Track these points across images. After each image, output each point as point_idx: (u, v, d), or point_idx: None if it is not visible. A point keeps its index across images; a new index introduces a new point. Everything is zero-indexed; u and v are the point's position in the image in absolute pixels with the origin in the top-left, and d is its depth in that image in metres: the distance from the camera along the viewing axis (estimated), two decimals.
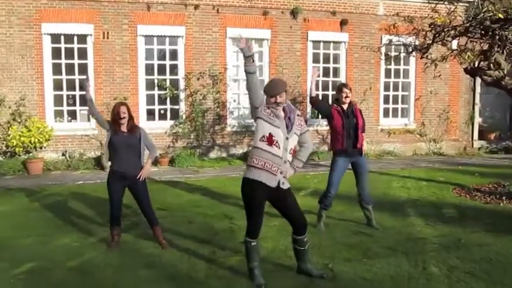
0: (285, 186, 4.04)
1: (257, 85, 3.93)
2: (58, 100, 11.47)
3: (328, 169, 6.04)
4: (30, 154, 10.79)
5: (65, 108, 11.52)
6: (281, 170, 3.96)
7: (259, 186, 3.94)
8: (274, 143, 3.90)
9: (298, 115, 4.10)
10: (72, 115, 11.66)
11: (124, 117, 5.07)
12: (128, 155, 5.10)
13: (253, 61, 3.90)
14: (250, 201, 4.02)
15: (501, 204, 7.31)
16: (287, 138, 3.94)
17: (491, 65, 7.55)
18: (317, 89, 12.90)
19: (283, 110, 4.02)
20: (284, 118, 3.99)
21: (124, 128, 5.12)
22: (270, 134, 3.90)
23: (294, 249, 4.29)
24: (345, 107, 5.78)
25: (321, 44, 13.02)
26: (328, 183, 5.87)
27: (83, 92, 5.14)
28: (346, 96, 5.75)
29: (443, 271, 4.44)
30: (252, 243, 4.08)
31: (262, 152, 3.92)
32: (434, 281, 4.21)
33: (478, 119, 14.72)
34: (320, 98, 12.89)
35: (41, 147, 10.86)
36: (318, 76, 6.34)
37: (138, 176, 5.13)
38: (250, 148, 12.46)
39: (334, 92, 13.12)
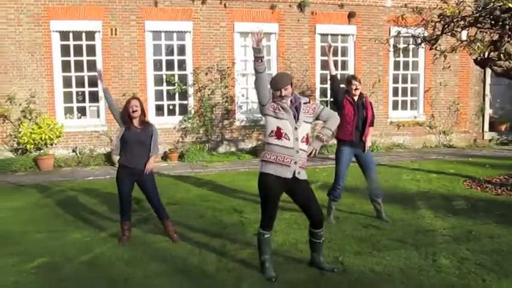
0: (301, 176, 4.06)
1: (264, 84, 4.01)
2: (68, 97, 11.55)
3: (334, 162, 6.03)
4: (41, 151, 10.90)
5: (75, 104, 11.59)
6: (295, 160, 3.98)
7: (274, 180, 4.00)
8: (283, 135, 3.95)
9: (305, 103, 4.10)
10: (82, 112, 11.73)
11: (136, 111, 5.09)
12: (138, 151, 5.14)
13: (262, 61, 3.92)
14: (266, 194, 4.06)
15: None
16: (296, 128, 3.97)
17: (502, 55, 7.48)
18: (325, 82, 12.91)
19: (290, 101, 4.04)
20: (291, 108, 4.01)
21: (137, 123, 5.14)
22: (277, 127, 3.97)
23: (310, 241, 4.34)
24: (356, 98, 5.76)
25: (329, 37, 12.94)
26: (335, 176, 5.88)
27: (93, 89, 5.16)
28: (356, 88, 5.73)
29: (454, 263, 4.43)
30: (265, 236, 4.13)
31: (273, 146, 4.00)
32: (444, 272, 4.20)
33: (488, 111, 14.58)
34: (328, 93, 12.89)
35: (51, 144, 10.96)
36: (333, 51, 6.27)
37: (145, 171, 5.16)
38: (260, 142, 12.51)
39: (343, 85, 13.17)
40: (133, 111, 5.08)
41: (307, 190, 4.18)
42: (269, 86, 4.06)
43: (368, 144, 5.89)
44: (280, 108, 3.99)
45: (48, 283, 4.13)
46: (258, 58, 3.90)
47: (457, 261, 4.46)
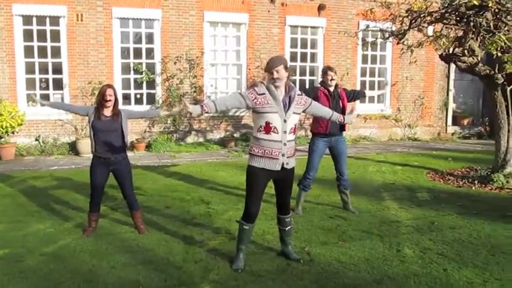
0: (289, 166, 4.09)
1: (226, 100, 4.08)
2: (30, 84, 11.19)
3: (306, 153, 6.07)
4: (2, 139, 10.52)
5: (38, 92, 11.23)
6: (283, 153, 3.99)
7: (261, 172, 4.03)
8: (272, 129, 3.94)
9: (299, 94, 4.09)
10: (46, 99, 11.38)
11: (110, 100, 4.94)
12: (111, 140, 4.98)
13: (204, 108, 3.93)
14: (252, 186, 4.07)
15: (473, 188, 7.49)
16: (285, 121, 3.95)
17: (466, 51, 7.66)
18: (294, 74, 12.95)
19: (285, 90, 3.99)
20: (284, 97, 3.97)
21: (108, 112, 5.00)
22: (266, 122, 3.94)
23: (279, 230, 4.40)
24: (331, 89, 5.80)
25: (299, 29, 12.99)
26: (307, 166, 5.92)
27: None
28: (332, 79, 5.76)
29: (417, 253, 4.54)
30: (245, 227, 4.15)
31: (262, 141, 4.00)
32: (408, 262, 4.30)
33: (452, 105, 14.98)
34: (297, 83, 12.95)
35: (13, 132, 10.59)
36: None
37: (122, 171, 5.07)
38: (228, 133, 12.42)
39: (314, 77, 13.33)
40: (106, 101, 4.92)
41: (291, 177, 4.22)
42: (237, 101, 4.00)
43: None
44: (268, 100, 3.92)
45: (9, 275, 4.00)
46: (201, 110, 3.91)
47: (419, 251, 4.57)
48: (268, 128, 3.94)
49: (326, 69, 5.86)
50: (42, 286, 3.81)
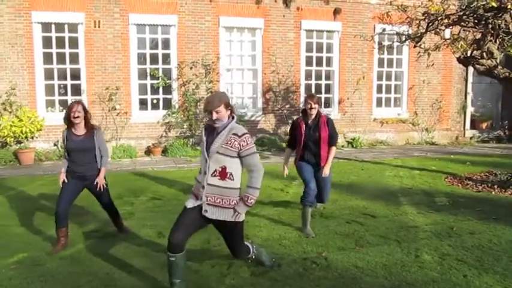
0: (210, 215, 3.56)
1: None
2: (49, 90, 11.36)
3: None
4: (22, 144, 10.71)
5: (57, 97, 11.41)
6: (201, 196, 3.56)
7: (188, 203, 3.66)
8: (201, 169, 3.66)
9: (236, 134, 3.51)
10: (64, 105, 11.52)
11: (78, 117, 4.73)
12: (84, 158, 4.83)
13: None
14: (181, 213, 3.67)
15: (492, 192, 7.36)
16: (206, 161, 3.54)
17: (484, 54, 7.58)
18: (310, 78, 12.93)
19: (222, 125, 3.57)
20: (215, 133, 3.56)
21: (80, 131, 4.82)
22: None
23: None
24: (311, 118, 5.47)
25: (314, 33, 12.96)
26: (303, 183, 5.51)
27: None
28: (311, 108, 5.42)
29: (436, 258, 4.48)
30: (170, 258, 3.58)
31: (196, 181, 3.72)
32: (426, 268, 4.24)
33: (470, 109, 14.78)
34: (312, 88, 12.91)
35: (32, 137, 10.78)
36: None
37: (97, 187, 4.90)
38: None
39: (330, 81, 13.29)
40: (74, 117, 4.72)
41: (225, 231, 3.73)
42: None
43: (326, 170, 5.42)
44: (202, 137, 3.64)
45: (28, 278, 4.05)
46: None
47: (438, 257, 4.51)
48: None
49: (306, 98, 5.58)
50: None
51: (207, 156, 3.53)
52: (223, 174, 3.52)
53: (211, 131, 3.60)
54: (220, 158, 3.51)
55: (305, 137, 5.44)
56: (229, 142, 3.50)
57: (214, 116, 3.49)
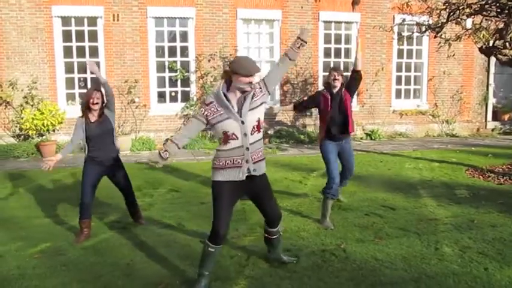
0: (257, 172, 3.61)
1: (184, 134, 3.85)
2: (70, 83, 11.52)
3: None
4: (43, 137, 10.90)
5: (77, 91, 11.56)
6: (246, 159, 3.53)
7: (225, 186, 3.57)
8: (230, 137, 3.49)
9: (257, 83, 3.64)
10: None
11: (97, 103, 4.85)
12: (105, 142, 4.95)
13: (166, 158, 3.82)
14: (217, 201, 3.60)
15: None
16: (243, 123, 3.48)
17: (507, 43, 7.42)
18: (328, 69, 12.84)
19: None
20: (240, 97, 3.53)
21: (94, 117, 4.90)
22: (223, 132, 3.50)
23: (265, 238, 4.12)
24: (335, 90, 5.45)
25: (333, 24, 12.86)
26: (327, 173, 5.43)
27: (94, 75, 4.94)
28: (335, 79, 5.39)
29: (456, 251, 4.43)
30: (210, 249, 3.62)
31: (221, 152, 3.57)
32: (446, 261, 4.20)
33: (492, 100, 14.52)
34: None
35: (53, 130, 10.97)
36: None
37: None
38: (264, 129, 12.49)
39: (348, 73, 13.08)
40: (94, 104, 4.82)
41: (265, 188, 3.78)
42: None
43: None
44: (218, 108, 3.49)
45: (51, 267, 4.14)
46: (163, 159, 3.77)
47: (459, 250, 4.46)
48: (226, 137, 3.49)
49: (330, 70, 5.55)
50: (83, 279, 3.92)
51: (242, 118, 3.47)
52: (258, 126, 3.58)
53: (217, 100, 3.51)
54: (256, 111, 3.54)
55: (331, 109, 5.39)
56: (255, 94, 3.56)
57: (257, 79, 3.54)
